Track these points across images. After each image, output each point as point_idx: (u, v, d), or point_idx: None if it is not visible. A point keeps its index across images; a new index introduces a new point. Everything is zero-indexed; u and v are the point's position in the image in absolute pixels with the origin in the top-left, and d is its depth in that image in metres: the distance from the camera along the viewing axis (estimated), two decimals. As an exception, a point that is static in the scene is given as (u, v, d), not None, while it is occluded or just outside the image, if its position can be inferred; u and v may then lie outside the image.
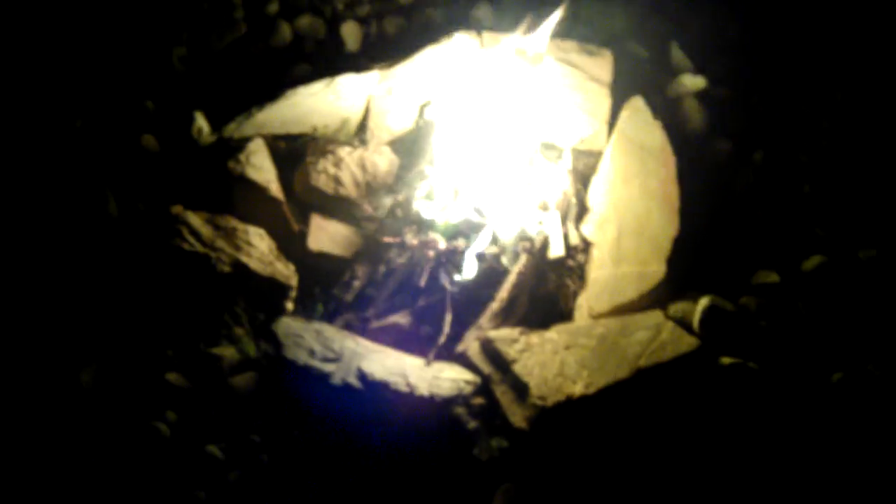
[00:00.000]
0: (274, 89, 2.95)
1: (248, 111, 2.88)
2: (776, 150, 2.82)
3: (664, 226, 2.63)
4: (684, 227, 2.63)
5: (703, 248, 2.66)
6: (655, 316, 2.45)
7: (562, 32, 3.11)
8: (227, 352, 2.37)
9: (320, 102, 2.94)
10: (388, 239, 2.71)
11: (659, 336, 2.38)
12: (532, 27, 2.83)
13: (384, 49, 3.25)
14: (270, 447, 2.25)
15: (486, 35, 3.09)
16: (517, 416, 2.29)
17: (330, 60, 3.19)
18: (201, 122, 2.86)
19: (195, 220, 2.54)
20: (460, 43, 3.06)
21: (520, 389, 2.31)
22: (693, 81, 3.01)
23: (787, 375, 2.29)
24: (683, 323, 2.43)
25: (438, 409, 2.27)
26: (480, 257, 2.65)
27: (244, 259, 2.50)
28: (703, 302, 2.43)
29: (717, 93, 2.98)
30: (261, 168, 2.73)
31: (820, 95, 2.88)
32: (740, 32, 3.13)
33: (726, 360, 2.33)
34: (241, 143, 2.77)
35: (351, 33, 3.28)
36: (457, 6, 3.36)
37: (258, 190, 2.70)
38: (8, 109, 2.75)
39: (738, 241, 2.66)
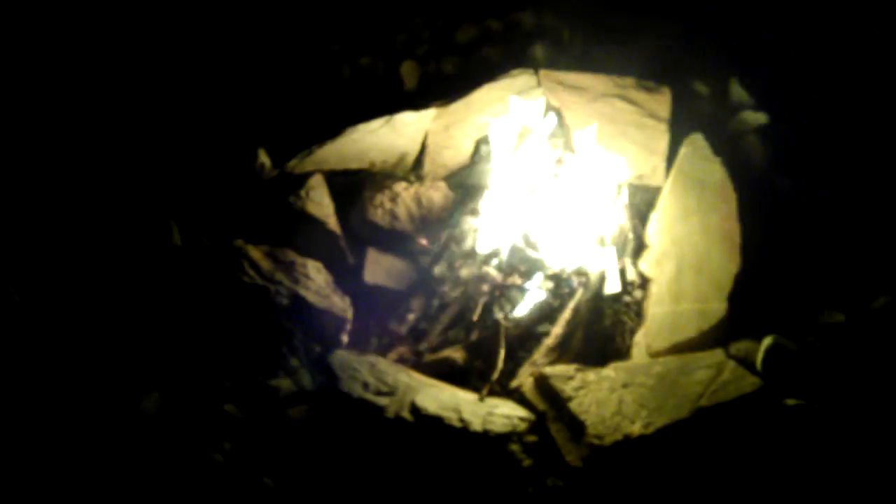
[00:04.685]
0: (334, 126, 3.02)
1: (308, 148, 2.96)
2: (841, 187, 2.74)
3: (725, 263, 2.57)
4: (746, 264, 2.57)
5: (767, 286, 2.58)
6: (717, 355, 2.38)
7: (620, 69, 3.13)
8: (284, 383, 2.39)
9: (379, 139, 3.00)
10: (441, 272, 2.72)
11: (720, 376, 2.31)
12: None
13: (442, 86, 3.30)
14: (324, 480, 2.25)
15: (543, 73, 3.11)
16: (573, 455, 2.25)
17: (389, 98, 3.25)
18: (264, 158, 2.94)
19: (255, 253, 2.59)
20: (518, 80, 3.09)
21: (576, 428, 2.27)
22: (754, 117, 2.96)
23: (854, 418, 2.19)
24: (746, 362, 2.36)
25: (492, 445, 2.24)
26: (535, 292, 2.64)
27: (302, 292, 2.54)
28: (767, 341, 2.36)
29: (779, 129, 2.92)
30: (320, 203, 2.79)
31: (887, 129, 2.80)
32: (803, 68, 3.07)
33: (791, 402, 2.24)
34: (301, 179, 2.85)
35: (409, 72, 3.34)
36: (514, 44, 3.40)
37: (317, 224, 2.75)
38: (76, 144, 2.87)
39: (803, 280, 2.58)
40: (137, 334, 2.43)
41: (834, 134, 2.89)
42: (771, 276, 2.60)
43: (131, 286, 2.52)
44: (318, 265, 2.65)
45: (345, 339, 2.57)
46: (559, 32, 3.41)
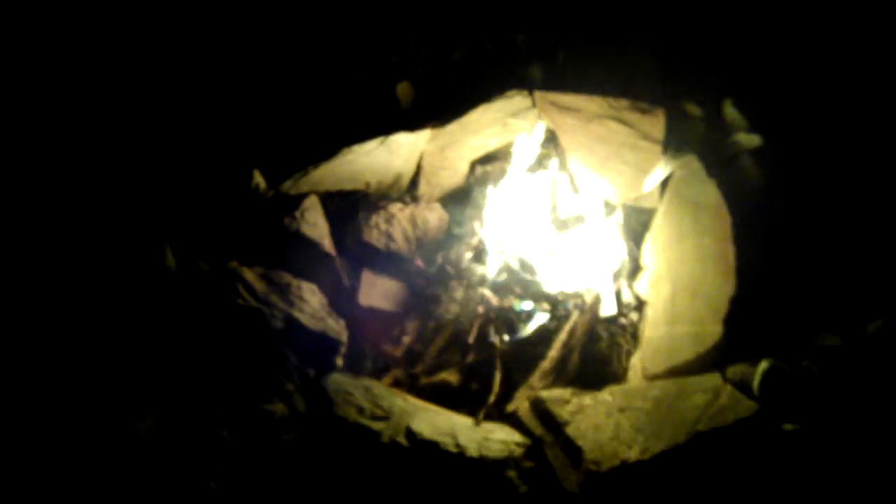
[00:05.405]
0: (329, 147, 3.01)
1: (304, 169, 2.95)
2: (835, 209, 2.74)
3: (720, 285, 2.56)
4: (742, 286, 2.55)
5: (762, 309, 2.58)
6: (713, 379, 2.37)
7: (615, 90, 3.13)
8: (278, 408, 2.37)
9: (374, 160, 2.99)
10: (436, 294, 2.71)
11: (717, 400, 2.30)
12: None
13: (437, 107, 3.30)
14: (319, 506, 2.23)
15: (538, 94, 3.11)
16: (570, 481, 2.23)
17: (384, 119, 3.24)
18: (258, 179, 2.93)
19: (250, 275, 2.58)
20: (513, 101, 3.09)
21: (572, 453, 2.25)
22: (748, 139, 2.96)
23: (852, 443, 2.19)
24: (742, 386, 2.34)
25: (488, 471, 2.22)
26: (530, 315, 2.63)
27: (297, 314, 2.52)
28: (763, 365, 2.35)
29: (772, 151, 2.93)
30: (315, 224, 2.77)
31: (882, 153, 2.81)
32: (797, 90, 3.09)
33: (788, 426, 2.23)
34: (296, 200, 2.83)
35: (405, 93, 3.34)
36: (509, 65, 3.40)
37: (312, 245, 2.74)
38: (70, 165, 2.85)
39: (798, 302, 2.58)
40: (131, 357, 2.41)
41: (828, 155, 2.90)
42: (766, 299, 2.59)
43: (125, 308, 2.49)
44: (313, 287, 2.64)
45: (339, 362, 2.56)
46: (554, 54, 3.42)
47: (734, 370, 2.39)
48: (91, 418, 2.28)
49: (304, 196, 2.85)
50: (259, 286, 2.56)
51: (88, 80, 3.10)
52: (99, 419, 2.28)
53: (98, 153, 2.93)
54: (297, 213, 2.77)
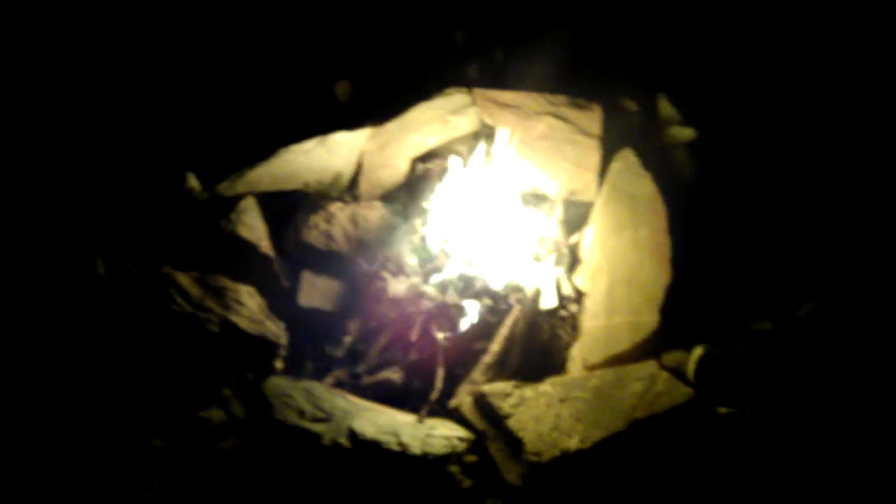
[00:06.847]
0: (266, 147, 2.97)
1: (239, 170, 2.91)
2: (766, 197, 2.81)
3: (656, 275, 2.60)
4: (677, 276, 2.61)
5: (697, 297, 2.63)
6: (650, 366, 2.41)
7: (552, 86, 3.16)
8: (215, 414, 2.33)
9: (313, 159, 2.97)
10: (378, 292, 2.70)
11: (654, 387, 2.34)
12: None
13: (376, 105, 3.29)
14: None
15: (477, 91, 3.13)
16: (512, 474, 2.24)
17: (322, 118, 3.22)
18: (192, 182, 2.87)
19: (184, 279, 2.53)
20: (452, 98, 3.10)
21: (514, 445, 2.26)
22: (682, 132, 3.02)
23: (785, 424, 2.25)
24: (678, 373, 2.39)
25: (431, 468, 2.22)
26: (472, 310, 2.63)
27: (233, 318, 2.48)
28: (698, 351, 2.40)
29: (705, 142, 2.99)
30: (252, 226, 2.74)
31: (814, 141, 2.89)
32: (729, 83, 3.16)
33: (723, 410, 2.28)
34: (232, 202, 2.79)
35: (343, 91, 3.32)
36: (448, 63, 3.41)
37: (249, 248, 2.70)
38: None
39: (732, 290, 2.64)
40: (60, 369, 2.34)
41: (758, 145, 2.97)
42: (701, 288, 2.65)
43: (53, 316, 2.42)
44: (251, 290, 2.60)
45: (279, 365, 2.52)
46: (492, 51, 3.44)
47: (670, 357, 2.44)
48: (21, 428, 2.21)
49: (240, 197, 2.80)
50: (194, 291, 2.51)
51: (16, 79, 3.01)
52: (29, 429, 2.21)
53: (26, 156, 2.85)
54: (234, 215, 2.73)
